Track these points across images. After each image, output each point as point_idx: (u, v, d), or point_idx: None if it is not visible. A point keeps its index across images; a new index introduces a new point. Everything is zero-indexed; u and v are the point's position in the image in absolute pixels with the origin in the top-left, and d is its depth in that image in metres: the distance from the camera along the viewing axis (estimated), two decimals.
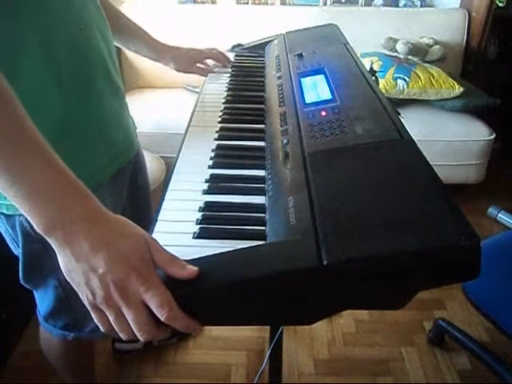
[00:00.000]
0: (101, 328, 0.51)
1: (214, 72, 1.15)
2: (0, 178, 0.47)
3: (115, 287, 0.47)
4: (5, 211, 0.77)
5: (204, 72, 1.15)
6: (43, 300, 0.90)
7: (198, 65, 1.14)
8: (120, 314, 0.49)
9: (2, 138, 0.47)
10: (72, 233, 0.47)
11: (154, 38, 1.09)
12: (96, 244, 0.47)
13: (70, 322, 0.92)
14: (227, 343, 1.53)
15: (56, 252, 0.49)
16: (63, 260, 0.49)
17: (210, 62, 1.17)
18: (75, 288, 0.50)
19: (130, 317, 0.48)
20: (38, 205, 0.48)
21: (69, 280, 0.50)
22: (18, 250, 0.84)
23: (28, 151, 0.48)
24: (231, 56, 1.22)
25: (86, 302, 0.50)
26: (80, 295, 0.50)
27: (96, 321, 0.51)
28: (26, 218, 0.74)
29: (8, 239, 0.84)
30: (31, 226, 0.71)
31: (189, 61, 1.13)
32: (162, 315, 0.47)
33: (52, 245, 0.49)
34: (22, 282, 0.87)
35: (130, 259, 0.47)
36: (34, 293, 0.91)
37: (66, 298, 0.88)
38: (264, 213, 0.62)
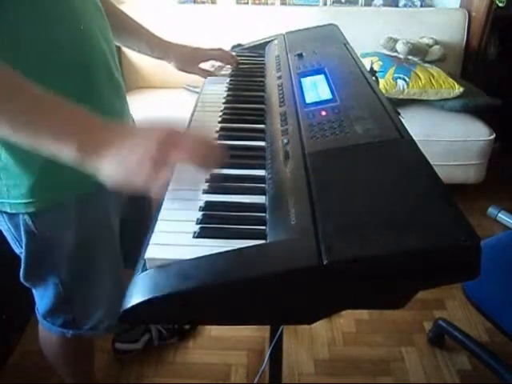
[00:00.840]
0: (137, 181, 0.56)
1: (215, 75, 1.13)
2: (30, 134, 0.57)
3: (153, 155, 0.55)
4: (8, 210, 0.78)
5: (205, 74, 1.13)
6: (42, 298, 0.91)
7: (201, 65, 1.11)
8: (157, 171, 0.55)
9: (22, 104, 0.56)
10: (103, 146, 0.56)
11: (156, 35, 1.07)
12: (126, 137, 0.57)
13: (69, 320, 0.92)
14: (227, 343, 1.53)
15: (99, 172, 0.57)
16: (109, 170, 0.56)
17: (213, 63, 1.16)
18: (124, 179, 0.56)
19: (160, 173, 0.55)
20: (66, 141, 0.56)
21: (120, 178, 0.56)
22: (19, 249, 0.84)
23: (43, 104, 0.58)
24: None
25: (137, 178, 0.56)
26: (139, 180, 0.56)
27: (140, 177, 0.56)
28: (30, 217, 0.76)
29: (10, 238, 0.84)
30: (35, 225, 0.74)
31: (192, 60, 1.09)
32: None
33: (92, 169, 0.57)
34: (22, 280, 0.88)
35: (157, 132, 0.56)
36: (33, 291, 0.92)
37: (66, 296, 0.88)
38: (264, 212, 0.62)
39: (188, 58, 1.09)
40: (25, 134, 0.58)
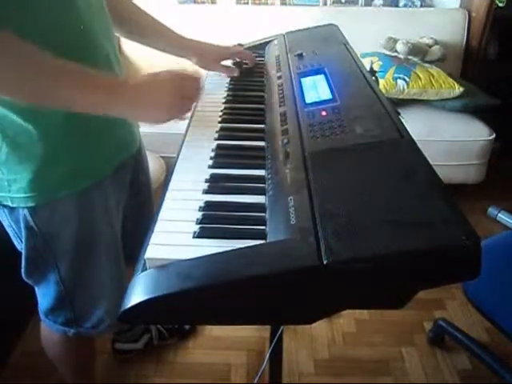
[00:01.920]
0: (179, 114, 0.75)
1: (236, 74, 1.10)
2: (91, 102, 0.68)
3: (177, 93, 0.73)
4: (9, 203, 0.78)
5: (229, 72, 1.10)
6: (44, 296, 0.91)
7: (224, 63, 1.09)
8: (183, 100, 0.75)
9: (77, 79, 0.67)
10: (138, 99, 0.72)
11: (176, 32, 1.04)
12: (150, 87, 0.73)
13: (71, 318, 0.92)
14: (227, 343, 1.53)
15: (139, 120, 0.77)
16: (146, 116, 0.74)
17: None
18: (166, 119, 0.73)
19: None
20: (114, 107, 0.71)
21: (159, 119, 0.74)
22: (20, 245, 0.84)
23: (87, 81, 0.68)
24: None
25: (173, 108, 0.74)
26: (167, 114, 0.73)
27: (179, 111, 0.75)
28: (29, 212, 0.77)
29: (11, 234, 0.85)
30: (34, 220, 0.75)
31: (215, 58, 1.07)
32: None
33: (133, 118, 0.79)
34: (24, 277, 0.88)
35: (176, 79, 0.74)
36: (36, 289, 0.92)
37: (67, 294, 0.88)
38: (264, 212, 0.62)
39: (209, 56, 1.06)
40: (80, 107, 0.69)
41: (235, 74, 1.10)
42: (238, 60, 1.13)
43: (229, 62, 1.13)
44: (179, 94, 0.73)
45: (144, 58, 2.29)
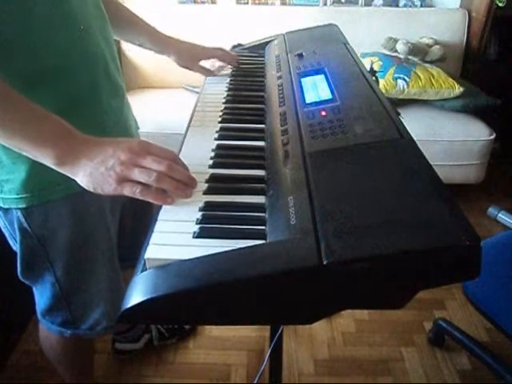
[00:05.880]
0: (137, 194, 0.62)
1: (215, 75, 1.13)
2: (18, 140, 0.64)
3: (126, 164, 0.61)
4: (1, 204, 0.78)
5: (206, 73, 1.11)
6: (41, 296, 0.91)
7: (202, 63, 1.10)
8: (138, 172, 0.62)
9: (17, 116, 0.63)
10: (79, 157, 0.63)
11: (157, 30, 1.06)
12: (97, 152, 0.63)
13: (68, 319, 0.92)
14: (227, 343, 1.53)
15: (75, 179, 0.64)
16: (82, 178, 0.63)
17: (214, 62, 1.15)
18: (102, 190, 0.63)
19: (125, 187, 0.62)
20: (47, 148, 0.63)
21: (96, 189, 0.63)
22: (16, 246, 0.84)
23: (30, 116, 0.64)
24: None
25: (114, 188, 0.62)
26: (107, 190, 0.62)
27: (129, 191, 0.62)
28: (22, 213, 0.76)
29: (7, 235, 0.85)
30: (27, 222, 0.75)
31: (193, 57, 1.08)
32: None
33: (68, 174, 0.64)
34: (20, 277, 0.88)
35: (127, 144, 0.63)
36: (33, 289, 0.92)
37: (63, 295, 0.88)
38: (264, 212, 0.62)
39: (188, 54, 1.08)
40: (10, 141, 0.65)
41: (211, 75, 1.11)
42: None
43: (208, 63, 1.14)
44: (131, 163, 0.61)
45: (144, 59, 2.29)
